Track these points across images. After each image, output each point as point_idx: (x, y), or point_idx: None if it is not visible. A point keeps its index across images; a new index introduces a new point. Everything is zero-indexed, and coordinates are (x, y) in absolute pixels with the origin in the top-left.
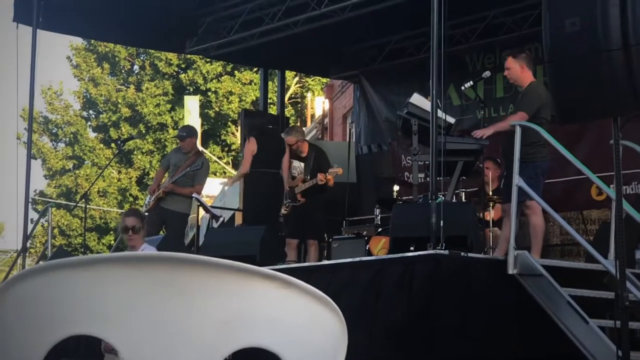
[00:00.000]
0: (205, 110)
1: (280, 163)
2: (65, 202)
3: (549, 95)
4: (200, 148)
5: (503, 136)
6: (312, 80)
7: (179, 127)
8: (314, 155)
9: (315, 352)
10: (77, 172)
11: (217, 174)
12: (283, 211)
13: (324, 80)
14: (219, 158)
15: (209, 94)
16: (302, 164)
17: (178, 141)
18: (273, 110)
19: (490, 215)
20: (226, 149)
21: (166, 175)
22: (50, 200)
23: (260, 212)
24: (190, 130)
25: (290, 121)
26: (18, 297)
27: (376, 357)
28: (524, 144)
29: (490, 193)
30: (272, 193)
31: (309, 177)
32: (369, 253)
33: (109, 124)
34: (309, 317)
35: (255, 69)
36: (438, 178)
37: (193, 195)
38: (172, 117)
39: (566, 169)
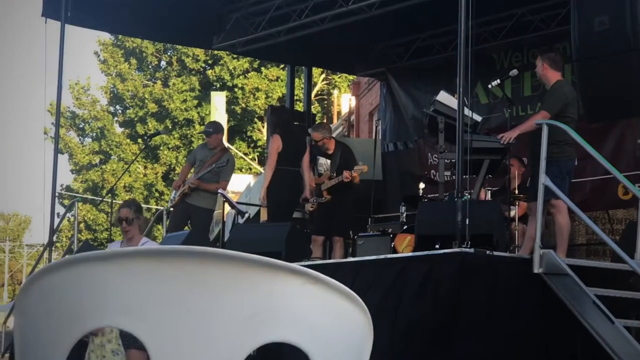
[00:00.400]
0: (232, 107)
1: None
2: (91, 197)
3: (575, 94)
4: (227, 144)
5: (529, 134)
6: (339, 77)
7: (206, 123)
8: (340, 152)
9: (341, 348)
10: (103, 167)
11: (243, 170)
12: (309, 208)
13: (351, 77)
14: (245, 154)
15: (236, 90)
16: (329, 161)
17: (204, 137)
18: (299, 107)
19: (516, 212)
20: (252, 145)
21: (192, 171)
22: (77, 195)
23: (282, 209)
24: (216, 127)
25: (317, 118)
26: (45, 289)
27: (401, 355)
28: (549, 142)
29: (517, 191)
30: (294, 191)
31: (335, 174)
32: (394, 251)
33: (135, 119)
34: (336, 313)
35: (282, 66)
36: (464, 176)
37: (219, 191)
38: (198, 113)
39: (592, 168)
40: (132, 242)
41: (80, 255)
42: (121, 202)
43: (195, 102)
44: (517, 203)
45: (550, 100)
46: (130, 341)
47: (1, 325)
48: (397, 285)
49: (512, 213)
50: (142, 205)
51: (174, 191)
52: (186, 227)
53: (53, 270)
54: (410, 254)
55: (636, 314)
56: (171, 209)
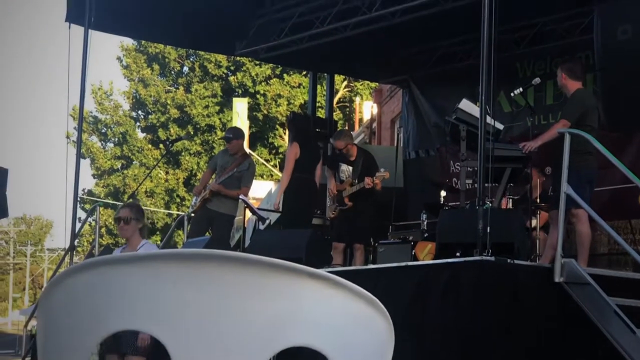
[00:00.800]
0: (254, 113)
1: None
2: (112, 202)
3: (595, 102)
4: (248, 150)
5: (551, 143)
6: (361, 85)
7: (226, 129)
8: (363, 159)
9: (362, 353)
10: (125, 172)
11: (264, 176)
12: (330, 214)
13: (373, 84)
14: (267, 161)
15: (258, 96)
16: (350, 168)
17: (225, 143)
18: (321, 113)
19: (537, 222)
20: (274, 151)
21: (213, 176)
22: (98, 199)
23: (298, 216)
24: (236, 132)
25: (339, 125)
26: (68, 291)
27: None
28: (569, 152)
29: (539, 200)
30: (311, 198)
31: (356, 181)
32: (415, 258)
33: (157, 124)
34: (357, 318)
35: (304, 72)
36: (486, 184)
37: (240, 197)
38: (220, 119)
39: (613, 177)
40: (130, 243)
41: (104, 258)
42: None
43: (217, 108)
44: (538, 212)
45: (570, 109)
46: (110, 346)
47: (23, 329)
48: (418, 293)
49: (534, 222)
50: (164, 210)
51: (195, 197)
52: (207, 233)
53: (76, 272)
54: (431, 261)
55: None
56: (192, 214)
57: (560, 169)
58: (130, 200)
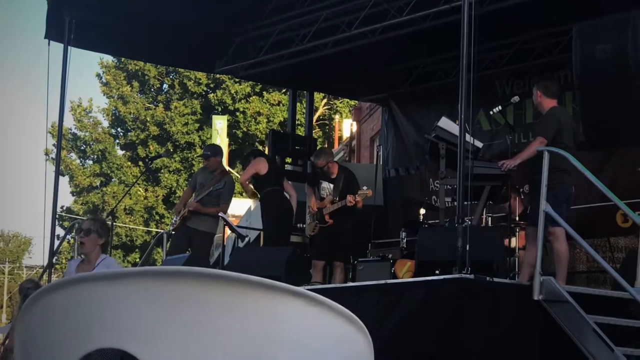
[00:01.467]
0: (233, 130)
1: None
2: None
3: (570, 121)
4: (227, 168)
5: (527, 162)
6: (340, 103)
7: (204, 146)
8: (344, 176)
9: None
10: (104, 189)
11: (244, 194)
12: (310, 232)
13: (352, 102)
14: None
15: (237, 114)
16: (331, 185)
17: (204, 160)
18: (301, 131)
19: (517, 240)
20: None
21: (194, 195)
22: (77, 216)
23: (279, 231)
24: (214, 149)
25: (318, 143)
26: (46, 309)
27: None
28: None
29: (518, 218)
30: (289, 211)
31: (337, 199)
32: (394, 276)
33: (137, 141)
34: (337, 336)
35: (284, 90)
36: (465, 202)
37: (219, 214)
38: (199, 136)
39: (590, 195)
40: (89, 257)
41: (82, 275)
42: (121, 224)
43: (197, 125)
44: (518, 230)
45: (545, 126)
46: None
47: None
48: (396, 311)
49: (514, 240)
50: (143, 228)
51: (175, 215)
52: (187, 251)
53: (55, 289)
54: (410, 279)
55: (636, 343)
56: (172, 232)
57: (536, 187)
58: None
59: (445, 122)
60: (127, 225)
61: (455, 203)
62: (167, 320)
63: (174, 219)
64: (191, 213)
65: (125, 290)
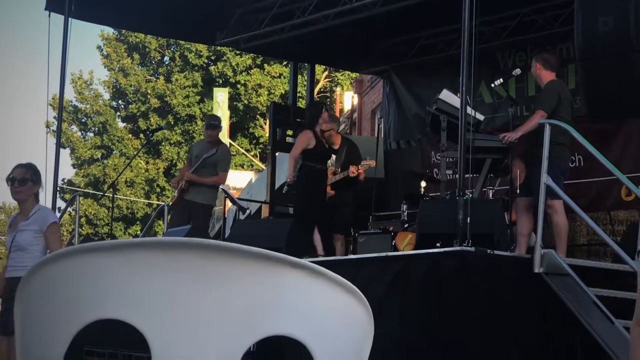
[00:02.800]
0: (234, 103)
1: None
2: (92, 192)
3: (569, 94)
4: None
5: (526, 135)
6: (342, 75)
7: (208, 116)
8: (346, 147)
9: (342, 341)
10: (105, 161)
11: (245, 166)
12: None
13: (354, 75)
14: (247, 151)
15: (238, 86)
16: (334, 156)
17: (208, 131)
18: (302, 104)
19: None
20: (254, 141)
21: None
22: (78, 189)
23: (312, 210)
24: (220, 120)
25: None
26: (47, 279)
27: (402, 352)
28: (542, 143)
29: (518, 191)
30: (324, 191)
31: (339, 170)
32: (395, 248)
33: (137, 114)
34: (337, 306)
35: (285, 63)
36: (466, 175)
37: (220, 186)
38: (200, 108)
39: (595, 170)
40: (25, 207)
41: (82, 246)
42: (122, 197)
43: (198, 98)
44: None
45: (546, 99)
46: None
47: None
48: (398, 283)
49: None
50: (144, 200)
51: (175, 190)
52: (188, 224)
53: (55, 260)
54: (411, 252)
55: None
56: (172, 207)
57: (533, 160)
58: (109, 190)
59: (446, 95)
60: (128, 198)
61: (457, 176)
62: (167, 291)
63: (175, 193)
64: (189, 185)
65: (126, 261)
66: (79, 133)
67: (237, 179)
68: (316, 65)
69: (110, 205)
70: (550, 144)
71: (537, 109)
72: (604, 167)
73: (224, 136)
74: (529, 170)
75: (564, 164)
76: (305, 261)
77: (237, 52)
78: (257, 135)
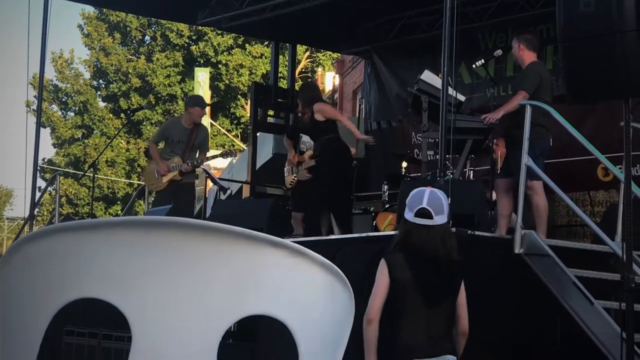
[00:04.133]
0: (215, 83)
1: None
2: (73, 171)
3: (549, 76)
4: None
5: (506, 115)
6: (323, 55)
7: (193, 96)
8: None
9: (323, 320)
10: (86, 141)
11: (226, 146)
12: (288, 185)
13: (335, 55)
14: (228, 131)
15: (220, 66)
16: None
17: (198, 110)
18: (283, 84)
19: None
20: (235, 122)
21: (166, 149)
22: (59, 168)
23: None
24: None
25: None
26: (28, 257)
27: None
28: (522, 124)
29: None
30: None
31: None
32: (376, 229)
33: (118, 93)
34: (318, 286)
35: (266, 43)
36: (447, 156)
37: (201, 166)
38: (182, 88)
39: (571, 149)
40: None
41: (63, 225)
42: (103, 176)
43: (179, 77)
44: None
45: (527, 80)
46: None
47: None
48: (377, 264)
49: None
50: (124, 180)
51: (157, 175)
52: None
53: (36, 238)
54: (392, 232)
55: (615, 296)
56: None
57: (512, 141)
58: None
59: (428, 76)
60: (109, 178)
61: (437, 156)
62: (147, 270)
63: (156, 175)
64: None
65: (106, 240)
66: (60, 112)
67: (218, 160)
68: (298, 46)
69: (91, 185)
70: (531, 125)
71: (518, 90)
72: (578, 147)
73: (206, 117)
74: (509, 151)
75: (544, 145)
76: (286, 240)
77: (219, 32)
78: (238, 116)
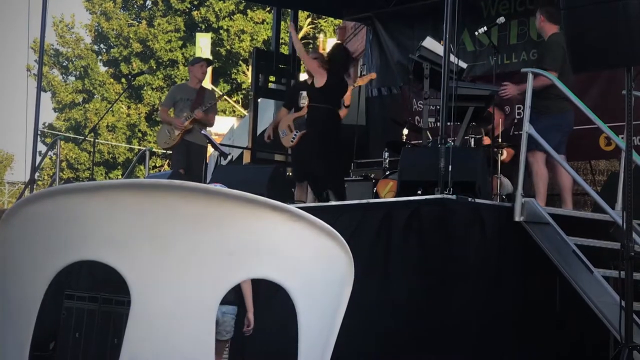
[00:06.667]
0: (217, 48)
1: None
2: (73, 136)
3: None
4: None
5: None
6: (325, 22)
7: (196, 57)
8: None
9: (322, 285)
10: (86, 105)
11: (227, 112)
12: (289, 143)
13: (337, 21)
14: (229, 96)
15: (221, 32)
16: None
17: (203, 66)
18: (285, 50)
19: (499, 159)
20: (236, 87)
21: (176, 109)
22: (59, 133)
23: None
24: None
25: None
26: (27, 219)
27: (391, 299)
28: (544, 97)
29: (500, 140)
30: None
31: None
32: (376, 196)
33: (119, 58)
34: (317, 250)
35: (268, 8)
36: (448, 123)
37: (202, 131)
38: (183, 53)
39: (575, 118)
40: None
41: (63, 187)
42: (103, 141)
43: (180, 43)
44: (500, 151)
45: (550, 54)
46: None
47: None
48: (379, 230)
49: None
50: (125, 145)
51: (174, 130)
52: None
53: (36, 200)
54: (392, 199)
55: (615, 264)
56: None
57: (541, 114)
58: (90, 134)
59: (429, 42)
60: (109, 143)
61: (439, 124)
62: (147, 233)
63: (168, 133)
64: (193, 123)
65: (107, 202)
66: (60, 77)
67: (219, 125)
68: (299, 12)
69: (92, 149)
70: (555, 98)
71: (546, 68)
72: (580, 116)
73: (207, 81)
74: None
75: (562, 117)
76: (285, 205)
77: None
78: (239, 81)
